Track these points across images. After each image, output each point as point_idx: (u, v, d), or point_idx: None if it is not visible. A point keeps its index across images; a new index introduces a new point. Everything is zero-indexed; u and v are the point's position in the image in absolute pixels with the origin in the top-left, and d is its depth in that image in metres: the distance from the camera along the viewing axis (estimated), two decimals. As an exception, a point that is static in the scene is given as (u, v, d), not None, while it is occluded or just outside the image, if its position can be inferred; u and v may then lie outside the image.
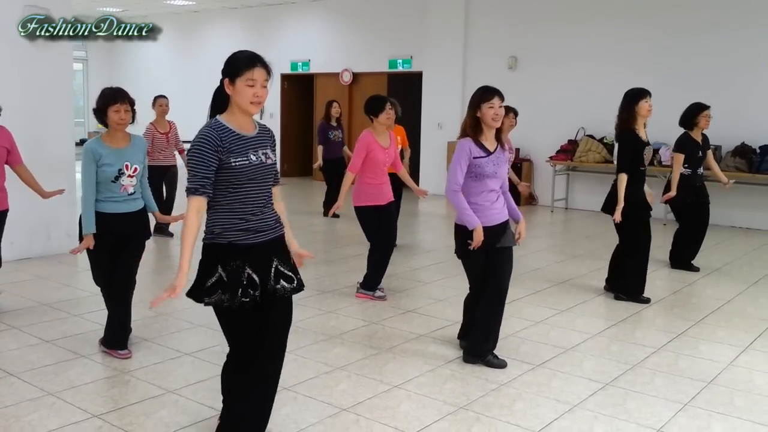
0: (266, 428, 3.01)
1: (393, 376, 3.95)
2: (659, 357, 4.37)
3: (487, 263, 4.09)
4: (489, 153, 4.01)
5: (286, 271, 2.87)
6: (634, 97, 5.34)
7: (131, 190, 4.09)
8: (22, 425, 3.26)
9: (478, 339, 4.15)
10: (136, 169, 4.08)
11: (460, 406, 3.58)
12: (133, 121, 4.10)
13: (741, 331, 4.91)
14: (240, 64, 2.71)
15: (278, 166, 3.04)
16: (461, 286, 5.99)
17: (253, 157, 2.76)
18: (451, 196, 4.03)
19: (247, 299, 2.73)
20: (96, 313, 4.77)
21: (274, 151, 2.92)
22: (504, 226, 4.11)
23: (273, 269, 2.82)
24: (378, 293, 5.55)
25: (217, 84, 2.81)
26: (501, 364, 4.10)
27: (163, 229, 7.94)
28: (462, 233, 4.06)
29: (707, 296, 5.94)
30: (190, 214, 2.66)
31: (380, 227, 5.48)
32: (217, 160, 2.68)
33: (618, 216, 5.35)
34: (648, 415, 3.52)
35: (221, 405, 3.04)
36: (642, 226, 5.54)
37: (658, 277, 6.48)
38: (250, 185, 2.76)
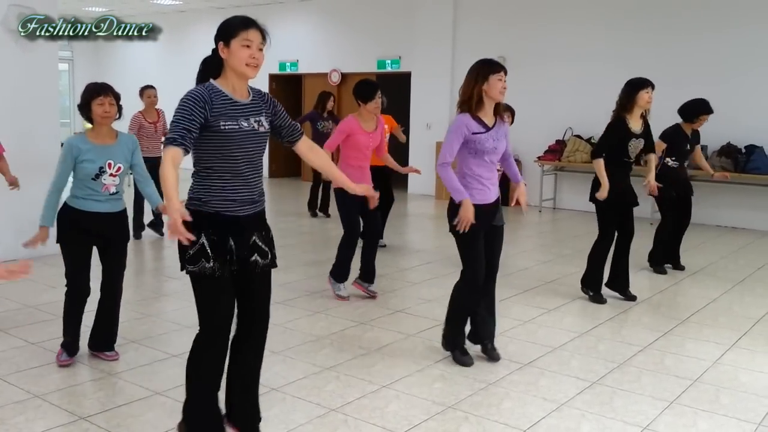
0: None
1: (382, 377, 3.95)
2: (646, 355, 4.40)
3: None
4: (488, 128, 3.90)
5: (263, 246, 2.86)
6: (636, 86, 5.32)
7: (113, 189, 3.95)
8: (7, 428, 3.23)
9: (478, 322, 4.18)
10: (119, 168, 3.93)
11: (449, 405, 3.59)
12: (119, 117, 3.99)
13: (727, 330, 4.95)
14: (235, 25, 2.67)
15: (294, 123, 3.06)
16: (450, 286, 5.98)
17: (245, 123, 2.71)
18: (440, 169, 3.91)
19: (227, 269, 2.73)
20: (83, 315, 4.74)
21: (271, 116, 2.87)
22: (497, 203, 4.05)
23: (251, 242, 2.81)
24: (341, 291, 5.46)
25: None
26: (467, 362, 4.08)
27: (156, 226, 7.88)
28: (455, 209, 3.92)
29: (693, 295, 5.98)
30: (166, 164, 2.53)
31: (363, 216, 5.43)
32: (202, 115, 2.61)
33: (604, 194, 5.25)
34: (635, 413, 3.54)
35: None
36: (619, 219, 5.49)
37: (644, 277, 6.52)
38: (239, 153, 2.70)
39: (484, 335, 4.22)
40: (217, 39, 2.70)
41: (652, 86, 5.36)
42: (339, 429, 3.31)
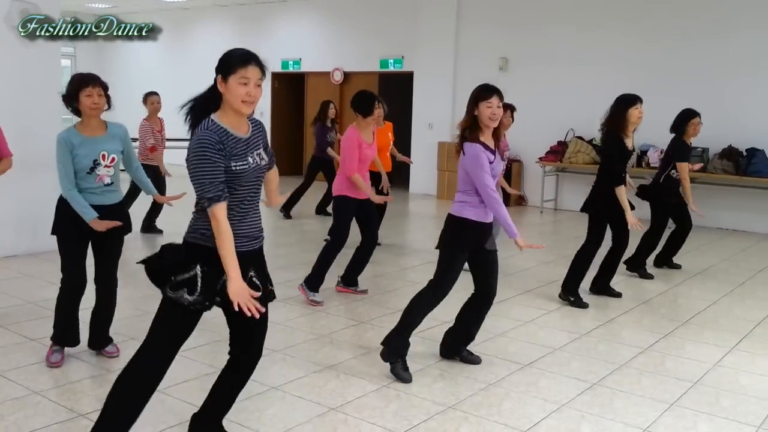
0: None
1: (382, 376, 3.94)
2: (646, 357, 4.40)
3: (476, 265, 4.05)
4: (493, 153, 3.91)
5: (256, 282, 2.76)
6: (626, 103, 5.30)
7: (108, 180, 3.87)
8: (6, 424, 3.23)
9: (460, 340, 4.18)
10: (113, 159, 3.85)
11: (449, 405, 3.58)
12: (108, 107, 3.87)
13: (727, 332, 4.94)
14: (233, 61, 2.60)
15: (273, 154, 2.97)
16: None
17: (251, 160, 2.67)
18: (496, 207, 3.82)
19: (209, 304, 2.67)
20: (82, 312, 4.73)
21: (266, 147, 2.84)
22: (491, 226, 4.05)
23: (248, 279, 2.71)
24: (316, 297, 5.36)
25: (207, 82, 2.72)
26: (406, 378, 3.93)
27: (153, 228, 7.91)
28: (464, 228, 3.91)
29: (694, 297, 5.97)
30: (224, 225, 2.54)
31: (364, 224, 5.50)
32: (222, 161, 2.57)
33: (632, 220, 5.27)
34: (635, 414, 3.54)
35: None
36: (615, 229, 5.57)
37: (644, 280, 6.51)
38: (243, 188, 2.67)
39: (462, 344, 4.21)
40: (216, 72, 2.65)
41: (641, 101, 5.34)
42: (339, 428, 3.30)
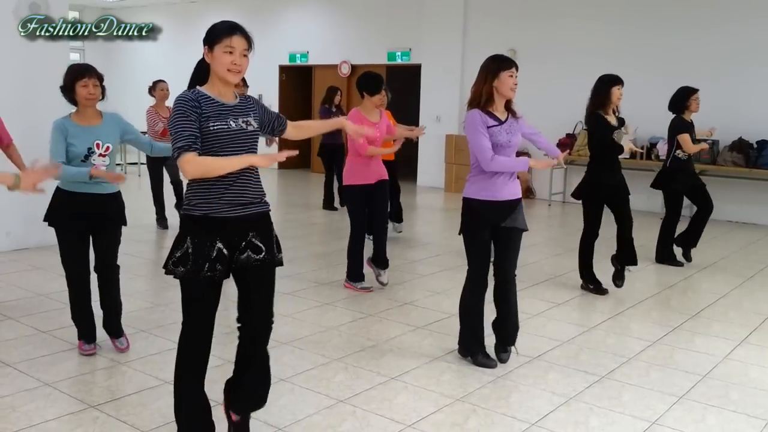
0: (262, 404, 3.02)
1: (390, 368, 3.95)
2: (655, 350, 4.39)
3: (494, 244, 3.97)
4: (501, 122, 3.85)
5: (257, 243, 2.78)
6: (611, 82, 5.37)
7: (103, 169, 3.88)
8: (18, 415, 3.26)
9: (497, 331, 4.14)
10: (108, 147, 3.89)
11: (457, 398, 3.59)
12: (102, 98, 3.94)
13: (736, 325, 4.93)
14: (218, 31, 2.70)
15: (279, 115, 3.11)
16: (459, 279, 5.98)
17: (233, 123, 2.72)
18: (491, 165, 3.75)
19: (211, 273, 2.69)
20: (92, 304, 4.77)
21: (260, 115, 2.89)
22: (515, 204, 3.92)
23: (245, 242, 2.76)
24: (362, 284, 5.51)
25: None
26: (490, 364, 4.00)
27: (160, 221, 7.93)
28: (469, 208, 3.89)
29: (703, 290, 5.96)
30: (194, 162, 2.60)
31: (370, 209, 5.46)
32: (197, 119, 2.64)
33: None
34: (643, 407, 3.54)
35: (222, 396, 3.05)
36: (618, 211, 5.56)
37: (654, 271, 6.50)
38: (227, 153, 2.69)
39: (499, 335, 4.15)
40: (203, 43, 2.74)
41: (622, 82, 5.42)
42: (347, 420, 3.31)
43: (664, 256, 6.71)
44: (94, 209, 3.93)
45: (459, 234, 4.01)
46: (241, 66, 2.72)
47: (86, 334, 4.10)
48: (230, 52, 2.68)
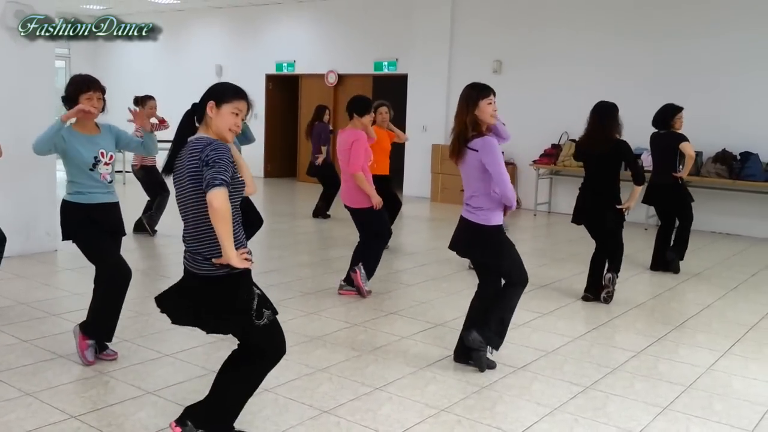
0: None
1: (375, 379, 3.94)
2: (639, 361, 4.41)
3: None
4: None
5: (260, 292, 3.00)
6: (616, 109, 5.44)
7: (109, 178, 4.01)
8: (-2, 426, 3.22)
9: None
10: (111, 156, 3.99)
11: (442, 408, 3.58)
12: (102, 111, 3.98)
13: (720, 336, 4.96)
14: (229, 92, 2.84)
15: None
16: (444, 289, 6.01)
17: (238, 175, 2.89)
18: (512, 196, 3.94)
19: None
20: (75, 313, 4.71)
21: None
22: None
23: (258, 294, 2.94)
24: (368, 285, 5.64)
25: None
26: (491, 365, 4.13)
27: (143, 227, 7.86)
28: (501, 232, 4.06)
29: (687, 301, 5.99)
30: (225, 204, 2.65)
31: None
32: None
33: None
34: (627, 418, 3.54)
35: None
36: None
37: (639, 282, 6.54)
38: (234, 198, 2.82)
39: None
40: (208, 97, 2.84)
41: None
42: (331, 431, 3.29)
43: (659, 263, 6.88)
44: (108, 217, 4.02)
45: (500, 262, 4.08)
46: (240, 128, 2.90)
47: (108, 333, 4.06)
48: (236, 114, 2.84)
